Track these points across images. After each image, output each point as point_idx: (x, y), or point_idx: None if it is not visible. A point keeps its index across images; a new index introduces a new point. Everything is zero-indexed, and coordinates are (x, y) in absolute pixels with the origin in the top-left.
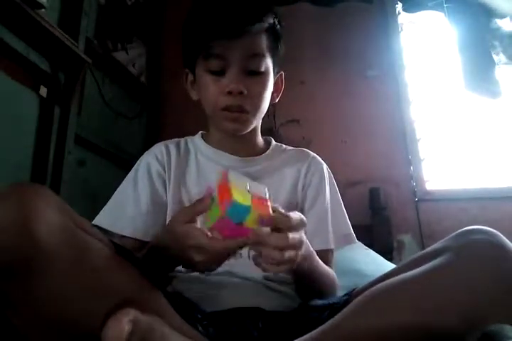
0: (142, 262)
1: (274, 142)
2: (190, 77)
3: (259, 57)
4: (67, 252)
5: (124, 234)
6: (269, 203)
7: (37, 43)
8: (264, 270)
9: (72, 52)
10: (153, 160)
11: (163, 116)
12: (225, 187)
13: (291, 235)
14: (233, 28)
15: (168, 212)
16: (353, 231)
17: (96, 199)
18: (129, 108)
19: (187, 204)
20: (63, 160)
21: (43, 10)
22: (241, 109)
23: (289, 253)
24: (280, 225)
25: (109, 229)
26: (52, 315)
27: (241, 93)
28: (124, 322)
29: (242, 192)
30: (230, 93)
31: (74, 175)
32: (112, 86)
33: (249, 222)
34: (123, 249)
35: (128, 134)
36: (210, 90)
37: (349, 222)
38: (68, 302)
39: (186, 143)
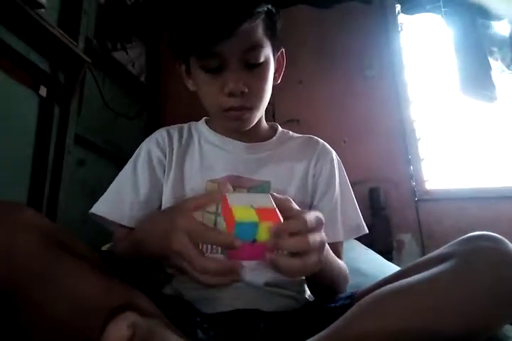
0: (130, 270)
1: (280, 128)
2: (184, 67)
3: (257, 48)
4: (46, 276)
5: (121, 223)
6: (277, 211)
7: (37, 43)
8: (285, 276)
9: (72, 51)
10: (154, 146)
11: (163, 116)
12: (227, 210)
13: (311, 237)
14: (224, 28)
15: (166, 198)
16: (363, 221)
17: (95, 198)
18: (129, 108)
19: (188, 191)
20: (63, 160)
21: (43, 10)
22: (244, 108)
23: (310, 259)
24: (296, 229)
25: (106, 217)
26: (44, 330)
27: (242, 92)
28: (124, 326)
29: (245, 209)
30: (230, 94)
31: (74, 174)
32: (112, 86)
33: (261, 235)
34: (109, 256)
35: (128, 134)
36: (209, 89)
37: (359, 211)
38: (60, 319)
39: (190, 129)
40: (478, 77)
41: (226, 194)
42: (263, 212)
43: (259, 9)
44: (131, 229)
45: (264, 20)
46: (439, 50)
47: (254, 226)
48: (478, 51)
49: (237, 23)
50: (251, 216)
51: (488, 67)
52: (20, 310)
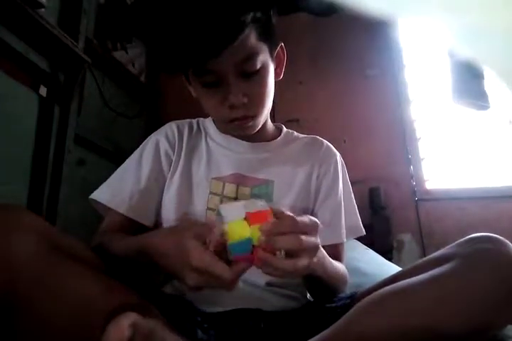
0: (131, 272)
1: (285, 129)
2: (183, 76)
3: (253, 56)
4: (46, 279)
5: (119, 210)
6: (270, 213)
7: (37, 43)
8: (274, 276)
9: (72, 51)
10: (162, 138)
11: (162, 116)
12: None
13: (304, 238)
14: (215, 48)
15: (171, 193)
16: (361, 223)
17: None
18: (129, 107)
19: (195, 188)
20: (63, 160)
21: (43, 9)
22: (247, 117)
23: (301, 262)
24: (287, 229)
25: (105, 204)
26: (45, 332)
27: (243, 103)
28: (125, 326)
29: (239, 225)
30: (231, 107)
31: (73, 174)
32: (112, 85)
33: (254, 237)
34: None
35: (127, 134)
36: (210, 103)
37: (358, 212)
38: (60, 320)
39: (198, 125)
40: (469, 87)
41: (218, 209)
42: (255, 216)
43: (246, 20)
44: (126, 218)
45: (256, 26)
46: (440, 47)
47: (249, 242)
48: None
49: (225, 42)
50: (244, 231)
51: (481, 75)
52: (20, 312)
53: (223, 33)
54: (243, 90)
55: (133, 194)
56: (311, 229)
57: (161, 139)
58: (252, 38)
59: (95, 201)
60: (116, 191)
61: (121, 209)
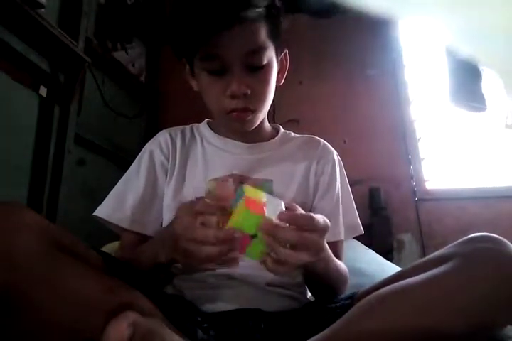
0: (133, 272)
1: (282, 129)
2: (188, 67)
3: (260, 50)
4: (46, 277)
5: (121, 225)
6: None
7: (37, 43)
8: (269, 271)
9: (72, 51)
10: (157, 149)
11: (162, 116)
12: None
13: (308, 234)
14: (225, 18)
15: (168, 199)
16: (359, 222)
17: (95, 198)
18: (129, 107)
19: (191, 191)
20: (63, 160)
21: (43, 10)
22: (247, 110)
23: (299, 257)
24: (299, 223)
25: (107, 219)
26: (45, 331)
27: (245, 94)
28: (124, 325)
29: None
30: (233, 96)
31: (73, 174)
32: (112, 85)
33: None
34: (111, 258)
35: (127, 134)
36: (212, 92)
37: (356, 211)
38: (60, 320)
39: (192, 131)
40: (467, 89)
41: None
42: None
43: (260, 2)
44: (137, 233)
45: (267, 22)
46: (440, 47)
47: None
48: (470, 60)
49: (237, 13)
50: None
51: (479, 78)
52: (20, 311)
53: (236, 5)
54: (247, 82)
55: (133, 208)
56: (321, 229)
57: (155, 150)
58: (262, 32)
59: (99, 217)
60: (118, 206)
61: (124, 223)
